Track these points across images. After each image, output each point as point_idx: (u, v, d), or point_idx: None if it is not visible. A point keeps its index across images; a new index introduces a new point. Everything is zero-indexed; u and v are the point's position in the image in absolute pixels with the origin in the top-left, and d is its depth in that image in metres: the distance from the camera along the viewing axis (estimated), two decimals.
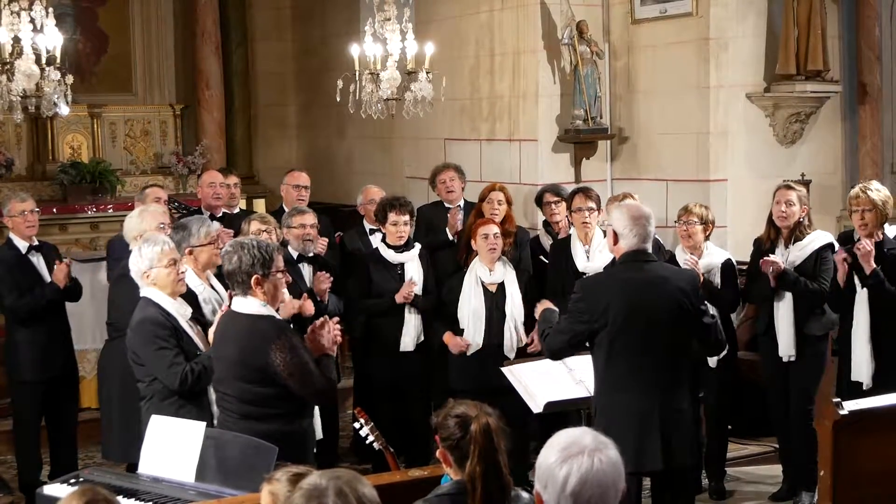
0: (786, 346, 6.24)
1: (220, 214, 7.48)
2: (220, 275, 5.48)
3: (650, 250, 4.85)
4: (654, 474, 4.87)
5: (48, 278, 6.61)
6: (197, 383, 4.80)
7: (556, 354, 4.97)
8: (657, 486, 4.97)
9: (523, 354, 6.35)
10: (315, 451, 4.84)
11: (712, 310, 5.42)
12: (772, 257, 6.16)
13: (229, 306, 4.61)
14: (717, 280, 6.40)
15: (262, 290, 4.46)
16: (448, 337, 6.51)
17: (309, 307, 6.07)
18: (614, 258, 6.48)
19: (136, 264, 4.96)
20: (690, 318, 4.80)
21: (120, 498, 3.65)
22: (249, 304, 4.48)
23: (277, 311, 4.67)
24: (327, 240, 6.99)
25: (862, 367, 5.95)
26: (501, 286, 6.49)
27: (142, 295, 4.96)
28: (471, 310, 6.45)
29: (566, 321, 4.84)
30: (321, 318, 4.70)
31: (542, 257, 7.26)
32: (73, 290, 6.71)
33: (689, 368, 4.98)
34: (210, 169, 9.23)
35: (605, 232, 6.82)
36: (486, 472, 3.22)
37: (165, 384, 4.82)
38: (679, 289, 4.79)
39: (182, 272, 5.04)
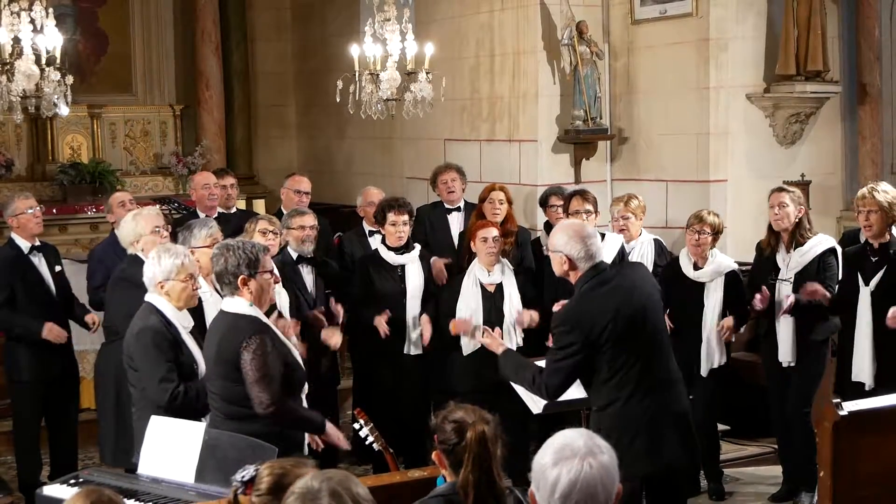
0: (785, 353, 6.23)
1: (217, 215, 7.47)
2: None
3: (601, 261, 4.78)
4: (655, 475, 4.88)
5: (48, 279, 6.61)
6: (185, 406, 4.68)
7: (559, 393, 4.77)
8: (651, 488, 4.97)
9: (523, 355, 6.33)
10: (308, 451, 4.83)
11: None
12: (756, 299, 6.13)
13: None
14: (720, 290, 6.36)
15: (249, 290, 4.50)
16: (454, 324, 6.46)
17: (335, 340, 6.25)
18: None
19: (153, 272, 4.87)
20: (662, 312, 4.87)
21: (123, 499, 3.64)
22: (236, 304, 4.53)
23: (269, 313, 4.71)
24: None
25: (864, 367, 5.94)
26: (500, 287, 6.48)
27: (146, 300, 4.90)
28: (469, 310, 6.44)
29: (560, 358, 4.67)
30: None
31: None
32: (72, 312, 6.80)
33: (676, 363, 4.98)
34: (208, 170, 9.21)
35: (603, 235, 6.82)
36: (478, 481, 3.22)
37: (153, 398, 4.74)
38: (649, 288, 4.84)
39: (196, 288, 4.98)
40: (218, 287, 5.45)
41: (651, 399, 4.69)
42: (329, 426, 4.75)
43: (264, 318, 4.57)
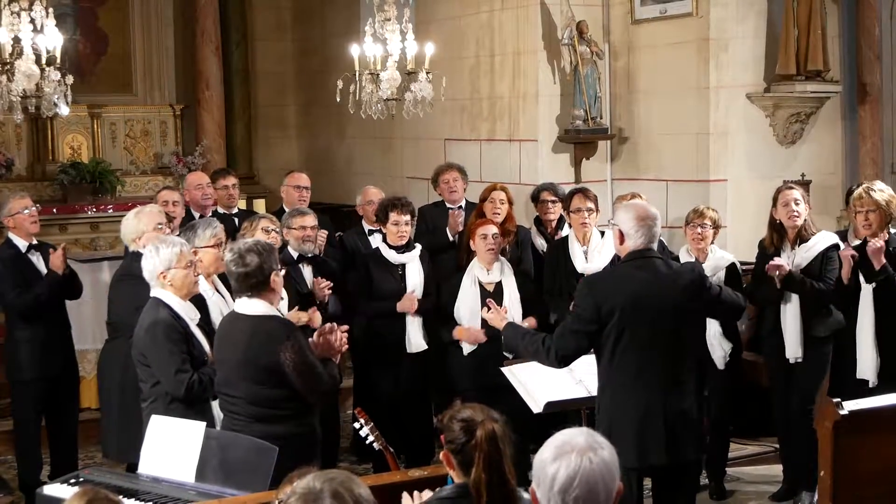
0: (793, 348, 6.23)
1: (212, 214, 7.46)
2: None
3: (655, 249, 4.85)
4: (657, 471, 4.88)
5: None
6: (202, 393, 4.76)
7: (567, 360, 4.78)
8: (658, 483, 4.97)
9: None
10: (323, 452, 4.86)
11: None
12: (777, 260, 6.14)
13: None
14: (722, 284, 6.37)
15: (272, 288, 4.53)
16: (459, 331, 6.46)
17: (317, 319, 6.08)
18: (613, 257, 6.53)
19: (152, 265, 4.90)
20: (695, 314, 4.83)
21: (120, 498, 3.65)
22: (255, 306, 4.52)
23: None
24: (326, 232, 6.98)
25: (867, 364, 5.94)
26: (499, 285, 6.48)
27: (152, 295, 4.92)
28: (468, 309, 6.44)
29: (574, 323, 4.73)
30: (329, 324, 4.75)
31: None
32: (72, 283, 6.69)
33: (694, 367, 4.97)
34: (208, 170, 9.22)
35: (602, 233, 6.83)
36: (490, 481, 3.18)
37: (169, 391, 4.78)
38: (684, 286, 4.81)
39: (198, 274, 5.03)
40: (219, 287, 5.47)
41: (649, 395, 4.69)
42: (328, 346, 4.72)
43: (284, 315, 4.60)
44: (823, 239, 6.23)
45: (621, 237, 4.79)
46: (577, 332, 4.70)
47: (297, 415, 4.50)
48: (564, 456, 2.54)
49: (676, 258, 6.51)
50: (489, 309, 5.25)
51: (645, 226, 4.73)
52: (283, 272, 4.72)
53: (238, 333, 4.54)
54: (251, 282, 4.50)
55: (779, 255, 6.28)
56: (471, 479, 3.22)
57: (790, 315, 6.22)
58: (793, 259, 6.22)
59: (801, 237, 6.23)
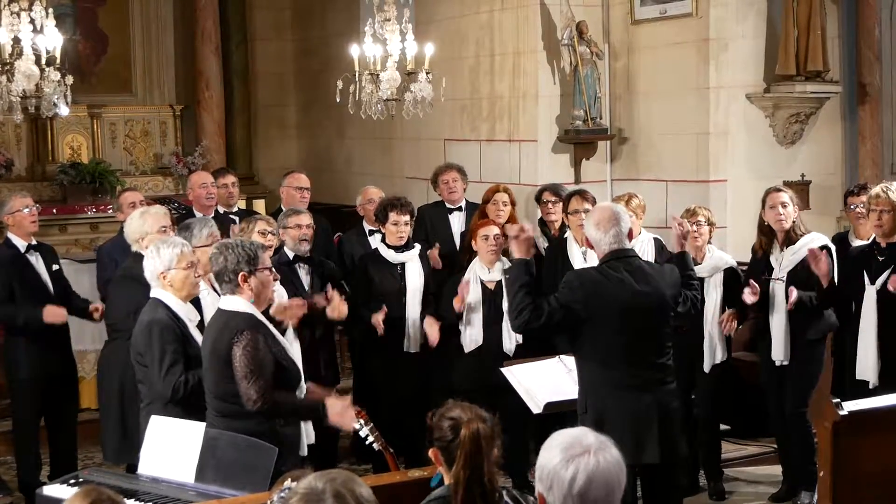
0: (778, 351, 6.21)
1: (213, 214, 7.46)
2: None
3: (628, 247, 4.86)
4: (646, 469, 4.91)
5: (46, 278, 6.60)
6: (190, 395, 4.72)
7: (527, 332, 5.03)
8: (647, 481, 4.99)
9: (522, 353, 6.34)
10: (308, 452, 4.83)
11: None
12: (747, 293, 6.11)
13: None
14: (720, 286, 6.38)
15: (249, 287, 4.52)
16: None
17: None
18: None
19: (153, 265, 4.92)
20: (671, 314, 4.94)
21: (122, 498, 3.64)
22: (234, 302, 4.54)
23: (267, 311, 4.76)
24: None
25: (868, 365, 5.92)
26: (500, 284, 6.48)
27: (152, 296, 4.94)
28: (469, 308, 6.45)
29: (554, 301, 4.76)
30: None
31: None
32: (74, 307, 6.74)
33: (672, 363, 5.03)
34: (208, 170, 9.21)
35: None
36: (470, 478, 3.23)
37: (157, 390, 4.77)
38: (665, 287, 4.89)
39: (198, 276, 5.04)
40: (216, 286, 5.47)
41: (636, 394, 4.77)
42: (330, 406, 4.63)
43: (260, 316, 4.58)
44: (812, 240, 6.19)
45: (588, 243, 4.92)
46: (554, 314, 4.75)
47: (256, 413, 4.45)
48: (579, 458, 2.55)
49: (671, 258, 6.52)
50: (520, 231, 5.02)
51: (602, 228, 4.78)
52: (268, 274, 4.68)
53: (211, 327, 4.61)
54: (222, 280, 4.56)
55: (767, 259, 6.28)
56: (451, 475, 3.28)
57: (777, 318, 6.20)
58: (781, 261, 6.21)
59: (790, 239, 6.21)
